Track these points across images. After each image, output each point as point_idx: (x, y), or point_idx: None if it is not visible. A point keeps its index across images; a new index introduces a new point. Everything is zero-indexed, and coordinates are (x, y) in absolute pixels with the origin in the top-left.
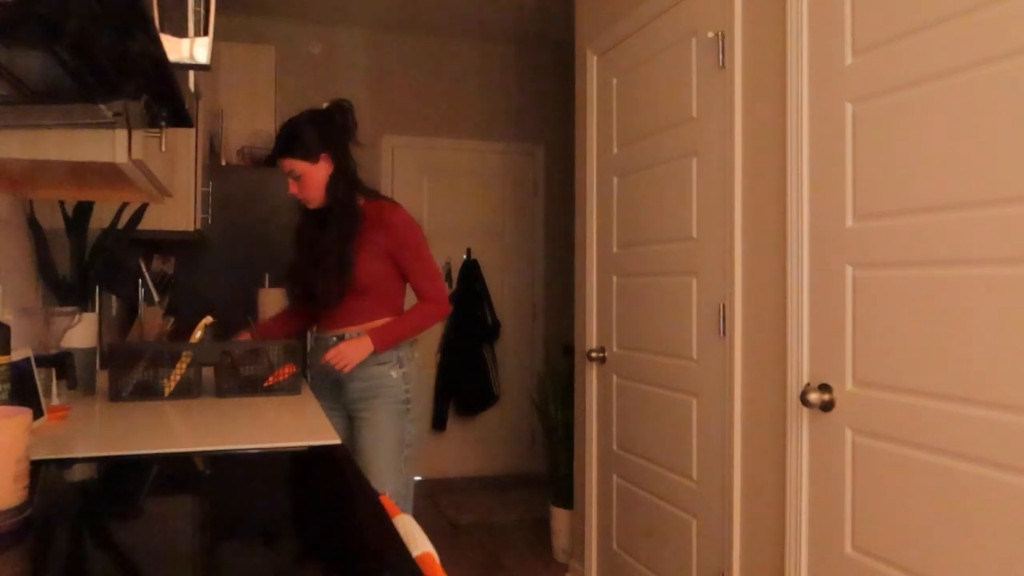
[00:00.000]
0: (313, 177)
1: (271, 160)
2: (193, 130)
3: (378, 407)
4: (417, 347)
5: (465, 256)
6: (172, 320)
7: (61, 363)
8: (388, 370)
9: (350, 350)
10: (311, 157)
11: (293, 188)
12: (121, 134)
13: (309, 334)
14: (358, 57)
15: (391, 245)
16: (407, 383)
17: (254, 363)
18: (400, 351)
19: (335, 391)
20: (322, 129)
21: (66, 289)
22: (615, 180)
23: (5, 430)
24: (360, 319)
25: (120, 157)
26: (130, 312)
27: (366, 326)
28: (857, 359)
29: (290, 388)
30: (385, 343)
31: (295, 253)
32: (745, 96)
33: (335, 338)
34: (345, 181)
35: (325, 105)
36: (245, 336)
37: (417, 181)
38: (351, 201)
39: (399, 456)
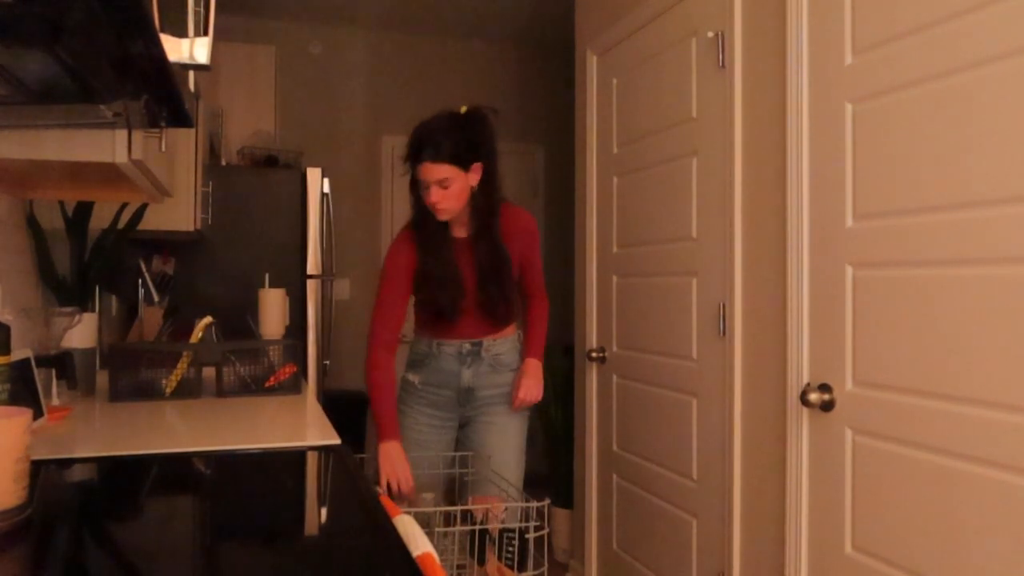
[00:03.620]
0: (462, 186)
1: (413, 160)
2: (193, 130)
3: (509, 411)
4: None
5: None
6: (170, 321)
7: (61, 363)
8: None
9: (535, 383)
10: (464, 164)
11: (436, 196)
12: (121, 134)
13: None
14: (358, 57)
15: (524, 251)
16: None
17: (254, 363)
18: (519, 356)
19: (460, 400)
20: (472, 134)
21: (66, 289)
22: (615, 180)
23: (5, 430)
24: (496, 328)
25: (120, 157)
26: (130, 312)
27: (500, 334)
28: (857, 359)
29: (290, 388)
30: (542, 355)
31: (426, 265)
32: (745, 96)
33: (468, 344)
34: (496, 191)
35: (464, 109)
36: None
37: None
38: (497, 213)
39: (522, 460)
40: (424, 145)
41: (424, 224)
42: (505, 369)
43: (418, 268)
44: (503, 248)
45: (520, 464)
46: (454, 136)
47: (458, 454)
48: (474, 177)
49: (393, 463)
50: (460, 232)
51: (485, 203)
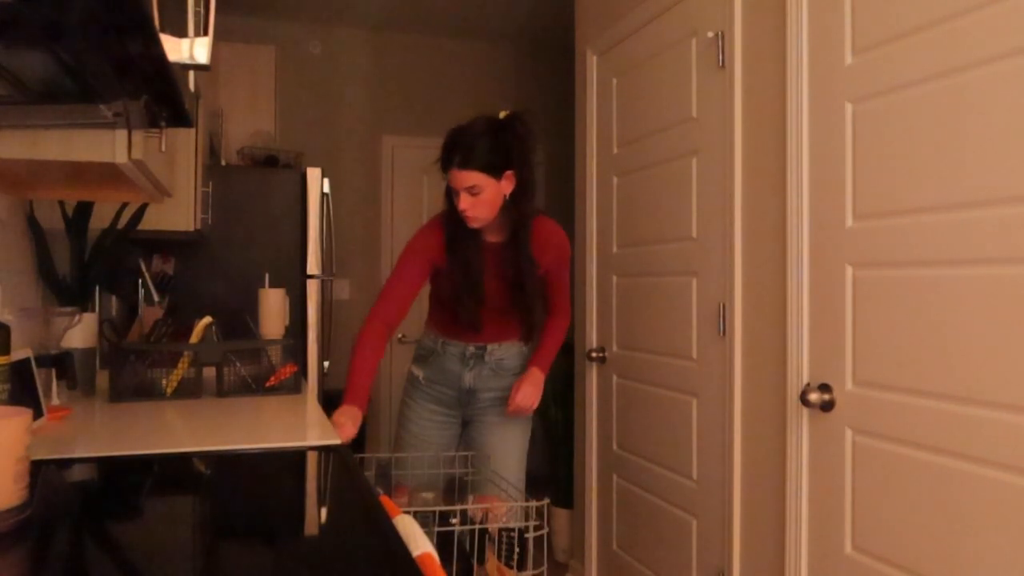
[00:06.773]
0: (494, 194)
1: (444, 165)
2: (193, 130)
3: (510, 414)
4: None
5: None
6: (170, 322)
7: (61, 363)
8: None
9: (534, 391)
10: (496, 172)
11: (465, 203)
12: (121, 134)
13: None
14: (358, 57)
15: (551, 265)
16: None
17: (254, 363)
18: (526, 360)
19: (461, 399)
20: (507, 141)
21: (66, 289)
22: (615, 180)
23: (5, 430)
24: (507, 335)
25: (120, 157)
26: (130, 312)
27: (506, 340)
28: (857, 359)
29: (290, 388)
30: (548, 368)
31: (452, 267)
32: (745, 96)
33: (473, 347)
34: (530, 201)
35: (503, 115)
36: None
37: (417, 181)
38: (529, 225)
39: (523, 461)
40: (455, 150)
41: (456, 227)
42: (508, 373)
43: (443, 265)
44: (532, 260)
45: (521, 465)
46: (486, 142)
47: (458, 454)
48: (507, 185)
49: (346, 418)
50: (492, 236)
51: (517, 213)
